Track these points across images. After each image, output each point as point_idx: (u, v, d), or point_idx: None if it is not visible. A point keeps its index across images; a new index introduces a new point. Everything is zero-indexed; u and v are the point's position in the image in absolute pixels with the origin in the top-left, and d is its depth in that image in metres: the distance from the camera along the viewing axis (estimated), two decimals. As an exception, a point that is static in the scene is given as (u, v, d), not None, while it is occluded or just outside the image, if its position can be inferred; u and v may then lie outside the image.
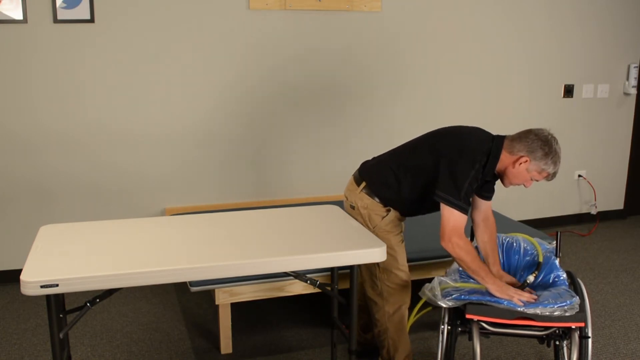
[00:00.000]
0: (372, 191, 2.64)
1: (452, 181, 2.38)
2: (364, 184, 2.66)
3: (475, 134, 2.48)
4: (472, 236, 2.83)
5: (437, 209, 2.50)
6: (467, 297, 2.33)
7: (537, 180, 2.44)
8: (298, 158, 4.25)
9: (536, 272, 2.57)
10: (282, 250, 2.22)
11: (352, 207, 2.70)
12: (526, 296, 2.35)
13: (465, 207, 2.38)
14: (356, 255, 2.26)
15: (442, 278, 2.50)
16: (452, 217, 2.38)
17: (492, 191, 2.62)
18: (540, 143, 2.37)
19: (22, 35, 3.56)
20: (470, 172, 2.38)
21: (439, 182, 2.41)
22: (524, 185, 2.46)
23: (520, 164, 2.39)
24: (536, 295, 2.40)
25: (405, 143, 2.68)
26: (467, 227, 2.85)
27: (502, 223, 3.66)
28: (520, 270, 2.69)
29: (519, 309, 2.27)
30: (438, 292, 2.38)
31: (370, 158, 2.88)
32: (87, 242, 2.26)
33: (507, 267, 2.72)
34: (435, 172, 2.45)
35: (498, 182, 2.64)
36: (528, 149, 2.38)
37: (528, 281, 2.54)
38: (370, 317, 2.88)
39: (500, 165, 2.45)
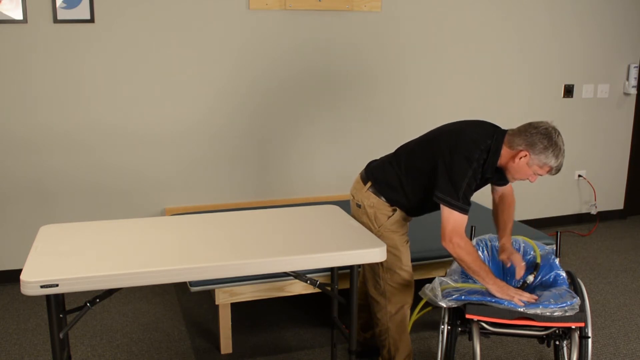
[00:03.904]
0: (377, 190, 2.63)
1: (450, 182, 2.36)
2: (369, 183, 2.66)
3: (474, 131, 2.44)
4: (471, 236, 2.83)
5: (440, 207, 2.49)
6: (468, 297, 2.33)
7: (540, 175, 2.38)
8: (298, 158, 4.25)
9: (535, 273, 2.57)
10: (282, 250, 2.22)
11: (359, 206, 2.69)
12: (527, 296, 2.34)
13: (465, 207, 2.37)
14: (356, 255, 2.25)
15: (442, 278, 2.49)
16: (451, 218, 2.37)
17: (503, 179, 2.55)
18: (540, 136, 2.31)
19: (22, 35, 3.56)
20: (468, 172, 2.36)
21: (437, 183, 2.40)
22: (529, 180, 2.41)
23: (520, 158, 2.34)
24: (536, 295, 2.39)
25: (406, 143, 2.68)
26: (467, 227, 2.85)
27: (502, 223, 3.66)
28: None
29: (519, 309, 2.27)
30: (439, 292, 2.37)
31: (371, 158, 2.88)
32: (87, 242, 2.26)
33: (507, 267, 2.72)
34: (434, 173, 2.44)
35: None
36: (527, 142, 2.33)
37: (527, 282, 2.54)
38: (370, 317, 2.88)
39: (501, 161, 2.41)
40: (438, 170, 2.40)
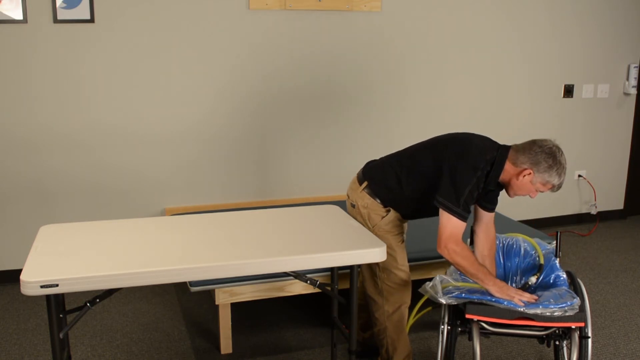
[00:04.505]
0: (373, 191, 2.63)
1: (452, 187, 2.37)
2: (365, 183, 2.66)
3: (480, 142, 2.46)
4: (471, 241, 2.82)
5: (438, 213, 2.49)
6: (468, 295, 2.33)
7: (542, 192, 2.41)
8: (298, 158, 4.25)
9: (538, 274, 2.56)
10: (282, 250, 2.22)
11: (353, 206, 2.70)
12: (527, 296, 2.34)
13: (464, 214, 2.37)
14: (356, 255, 2.25)
15: (443, 276, 2.50)
16: (449, 224, 2.38)
17: (494, 203, 2.58)
18: (545, 155, 2.34)
19: (22, 35, 3.56)
20: (472, 180, 2.36)
21: (439, 187, 2.40)
22: (530, 196, 2.44)
23: (524, 176, 2.37)
24: (537, 296, 2.39)
25: (410, 146, 2.68)
26: (466, 233, 2.85)
27: (502, 223, 3.66)
28: (521, 272, 2.69)
29: (519, 309, 2.27)
30: (439, 289, 2.38)
31: (370, 158, 2.88)
32: (87, 242, 2.26)
33: (508, 269, 2.72)
34: (436, 177, 2.44)
35: (502, 193, 2.61)
36: (532, 161, 2.36)
37: (530, 283, 2.53)
38: (370, 316, 2.88)
39: (504, 176, 2.43)
40: (442, 174, 2.41)
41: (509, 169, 2.41)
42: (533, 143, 2.39)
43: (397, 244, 2.65)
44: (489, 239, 2.63)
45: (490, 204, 2.58)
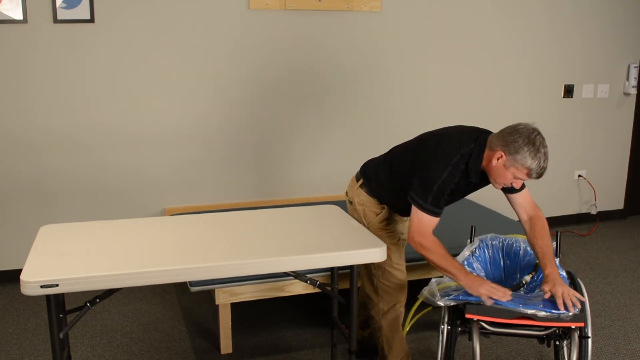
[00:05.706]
0: (368, 189, 2.66)
1: (422, 184, 2.36)
2: (361, 180, 2.69)
3: (454, 136, 2.41)
4: (471, 236, 2.83)
5: None
6: (466, 296, 2.33)
7: (521, 179, 2.28)
8: (298, 158, 4.25)
9: (533, 273, 2.56)
10: (282, 250, 2.22)
11: (350, 203, 2.73)
12: (500, 293, 2.26)
13: (433, 209, 2.34)
14: (356, 255, 2.26)
15: (439, 279, 2.50)
16: (416, 217, 2.37)
17: (512, 188, 2.43)
18: (516, 135, 2.22)
19: (22, 35, 3.56)
20: (441, 175, 2.32)
21: (412, 184, 2.40)
22: (513, 186, 2.34)
23: (497, 159, 2.27)
24: (537, 295, 2.38)
25: (399, 145, 2.69)
26: (467, 226, 2.86)
27: (502, 223, 3.66)
28: (519, 270, 2.69)
29: (518, 309, 2.27)
30: (437, 292, 2.38)
31: (371, 157, 2.88)
32: (87, 242, 2.27)
33: (507, 268, 2.72)
34: (413, 175, 2.44)
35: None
36: (502, 142, 2.25)
37: (524, 281, 2.53)
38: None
39: (484, 164, 2.35)
40: (416, 172, 2.41)
41: (486, 156, 2.34)
42: (507, 126, 2.30)
43: (391, 242, 2.65)
44: (536, 224, 2.46)
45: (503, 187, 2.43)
